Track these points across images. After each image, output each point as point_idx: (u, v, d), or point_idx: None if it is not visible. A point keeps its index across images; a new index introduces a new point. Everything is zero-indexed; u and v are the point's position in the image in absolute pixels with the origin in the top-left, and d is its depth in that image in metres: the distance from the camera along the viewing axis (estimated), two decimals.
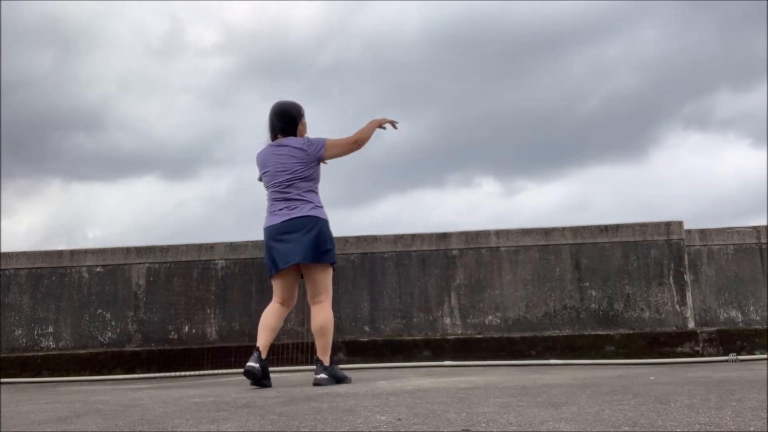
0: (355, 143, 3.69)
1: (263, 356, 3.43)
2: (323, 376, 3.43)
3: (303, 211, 3.54)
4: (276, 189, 3.62)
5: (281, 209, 3.58)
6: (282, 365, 4.96)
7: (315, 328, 3.55)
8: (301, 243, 3.49)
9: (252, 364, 3.36)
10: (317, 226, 3.54)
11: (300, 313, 5.20)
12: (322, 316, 3.55)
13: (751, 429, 1.66)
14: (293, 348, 5.06)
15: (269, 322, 3.56)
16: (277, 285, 3.64)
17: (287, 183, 3.59)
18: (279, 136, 3.72)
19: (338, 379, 3.50)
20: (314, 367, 3.56)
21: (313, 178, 3.65)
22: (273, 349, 3.56)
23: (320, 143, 3.64)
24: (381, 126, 3.79)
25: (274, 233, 3.56)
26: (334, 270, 3.70)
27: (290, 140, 3.68)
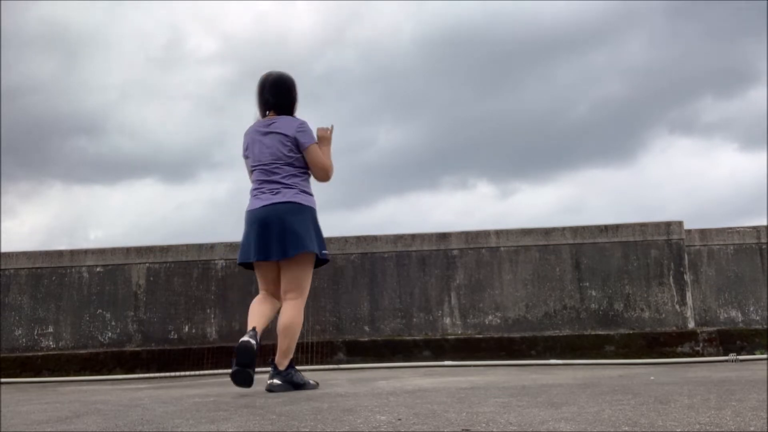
0: (328, 170, 3.41)
1: (258, 329, 3.11)
2: (276, 381, 3.13)
3: (287, 196, 3.25)
4: (260, 170, 3.34)
5: (264, 192, 3.30)
6: None
7: (279, 327, 3.22)
8: (279, 234, 3.19)
9: (247, 338, 3.02)
10: (299, 213, 3.24)
11: None
12: (289, 314, 3.22)
13: (751, 429, 1.66)
14: None
15: (260, 308, 3.25)
16: (259, 276, 3.36)
17: (272, 165, 3.31)
18: (270, 112, 3.41)
19: (296, 385, 3.17)
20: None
21: (301, 165, 3.35)
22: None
23: (308, 139, 3.35)
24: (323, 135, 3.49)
25: (254, 218, 3.27)
26: (323, 263, 3.42)
27: (282, 119, 3.36)
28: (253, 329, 3.09)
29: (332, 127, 3.54)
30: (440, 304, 5.49)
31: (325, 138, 3.48)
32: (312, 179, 3.46)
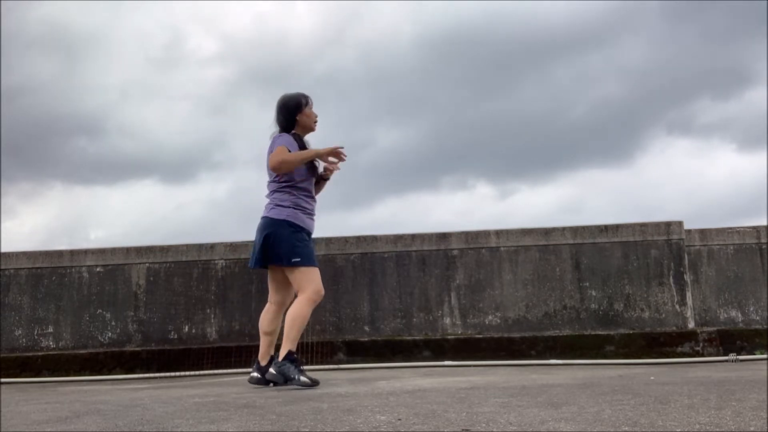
0: (283, 162, 3.41)
1: (262, 363, 3.52)
2: (272, 371, 3.37)
3: (265, 211, 3.56)
4: None
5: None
6: None
7: (286, 316, 3.46)
8: (259, 245, 3.50)
9: (252, 374, 3.57)
10: (269, 227, 3.46)
11: None
12: (294, 306, 3.44)
13: (751, 429, 1.66)
14: None
15: (262, 326, 3.60)
16: (268, 284, 3.65)
17: (267, 183, 3.62)
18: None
19: (286, 378, 3.30)
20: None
21: (277, 180, 3.53)
22: (255, 349, 3.64)
23: (272, 149, 3.48)
24: (326, 157, 3.54)
25: None
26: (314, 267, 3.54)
27: (272, 140, 3.60)
28: (257, 362, 3.56)
29: (339, 148, 3.59)
30: (440, 304, 5.49)
31: (326, 152, 3.54)
32: (314, 189, 3.67)
